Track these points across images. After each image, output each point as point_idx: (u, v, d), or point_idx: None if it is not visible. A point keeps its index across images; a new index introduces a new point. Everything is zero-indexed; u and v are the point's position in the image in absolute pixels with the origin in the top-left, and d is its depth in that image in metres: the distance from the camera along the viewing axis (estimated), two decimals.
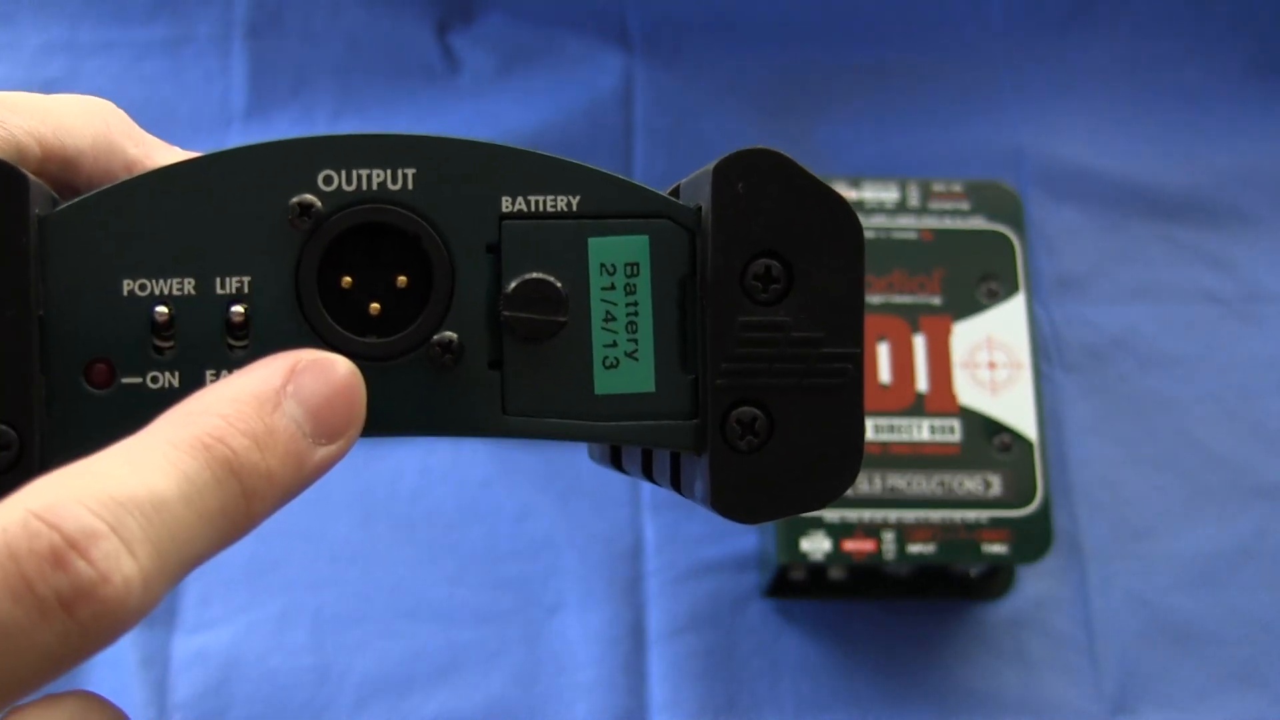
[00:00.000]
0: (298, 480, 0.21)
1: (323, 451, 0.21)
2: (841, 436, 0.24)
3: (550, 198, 0.24)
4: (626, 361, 0.24)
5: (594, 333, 0.24)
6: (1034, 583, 0.57)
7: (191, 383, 0.23)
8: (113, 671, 0.52)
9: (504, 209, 0.24)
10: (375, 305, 0.24)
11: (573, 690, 0.54)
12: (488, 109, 0.64)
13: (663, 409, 0.24)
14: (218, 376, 0.23)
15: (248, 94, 0.64)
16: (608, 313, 0.24)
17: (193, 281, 0.23)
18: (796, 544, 0.51)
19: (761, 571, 0.56)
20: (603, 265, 0.24)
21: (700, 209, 0.24)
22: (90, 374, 0.23)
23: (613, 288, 0.24)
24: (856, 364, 0.24)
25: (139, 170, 0.26)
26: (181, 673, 0.53)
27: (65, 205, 0.23)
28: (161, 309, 0.23)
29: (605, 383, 0.24)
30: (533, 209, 0.24)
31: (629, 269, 0.24)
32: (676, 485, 0.26)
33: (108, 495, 0.18)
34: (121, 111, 0.27)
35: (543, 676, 0.54)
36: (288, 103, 0.64)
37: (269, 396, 0.21)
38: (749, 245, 0.23)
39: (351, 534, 0.56)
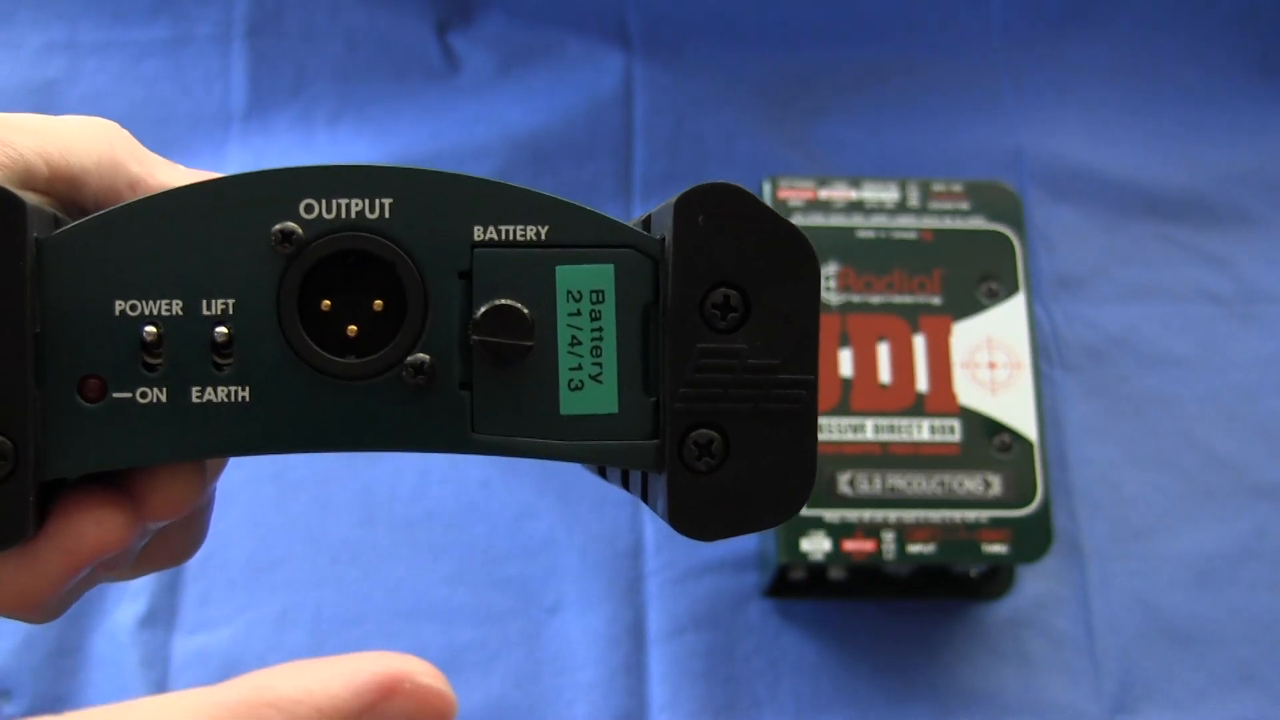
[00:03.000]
0: None
1: None
2: (795, 459, 0.25)
3: (520, 227, 0.24)
4: (591, 384, 0.25)
5: (560, 356, 0.25)
6: (1034, 583, 0.57)
7: (178, 398, 0.24)
8: (113, 671, 0.52)
9: (476, 238, 0.24)
10: (353, 327, 0.25)
11: (573, 690, 0.54)
12: (488, 109, 0.64)
13: (625, 430, 0.25)
14: (203, 394, 0.24)
15: (247, 94, 0.64)
16: (573, 337, 0.25)
17: (180, 303, 0.24)
18: (796, 544, 0.51)
19: (761, 571, 0.56)
20: (569, 292, 0.25)
21: (664, 240, 0.25)
22: (83, 389, 0.24)
23: (579, 314, 0.25)
24: (810, 390, 0.24)
25: (142, 187, 0.27)
26: (181, 673, 0.53)
27: (61, 230, 0.24)
28: (150, 328, 0.24)
29: (570, 404, 0.25)
30: (503, 238, 0.24)
31: (594, 296, 0.25)
32: (645, 499, 0.27)
33: None
34: (125, 131, 0.28)
35: (543, 676, 0.54)
36: (288, 103, 0.64)
37: (353, 714, 0.20)
38: (708, 275, 0.24)
39: (351, 534, 0.56)
